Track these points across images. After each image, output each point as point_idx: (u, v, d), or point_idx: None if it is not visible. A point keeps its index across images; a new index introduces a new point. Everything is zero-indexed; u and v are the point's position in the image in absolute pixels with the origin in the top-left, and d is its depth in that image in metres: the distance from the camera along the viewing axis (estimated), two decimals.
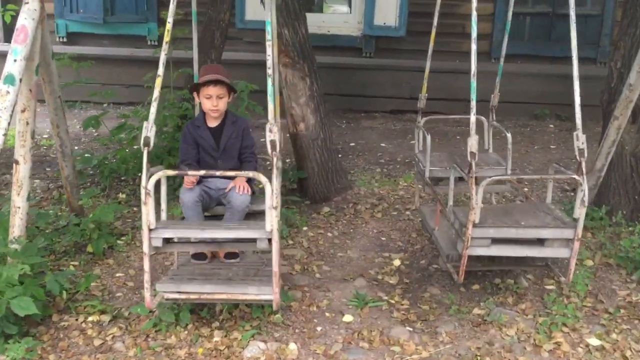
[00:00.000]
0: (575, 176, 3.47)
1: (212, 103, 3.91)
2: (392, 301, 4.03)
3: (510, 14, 4.68)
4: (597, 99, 5.36)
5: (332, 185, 5.78)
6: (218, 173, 3.62)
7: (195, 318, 3.72)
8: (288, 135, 5.71)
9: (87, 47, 9.74)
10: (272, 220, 3.17)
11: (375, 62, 9.68)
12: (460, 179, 4.01)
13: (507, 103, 8.35)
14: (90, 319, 3.73)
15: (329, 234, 5.07)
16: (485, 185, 3.50)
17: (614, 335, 3.64)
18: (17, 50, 3.55)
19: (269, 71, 3.20)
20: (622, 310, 3.92)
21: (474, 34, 3.43)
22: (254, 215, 3.92)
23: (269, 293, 3.36)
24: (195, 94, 4.06)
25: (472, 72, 3.43)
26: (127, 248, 4.72)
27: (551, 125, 8.96)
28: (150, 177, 3.19)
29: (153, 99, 3.24)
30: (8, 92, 3.46)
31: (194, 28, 4.30)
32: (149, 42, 9.84)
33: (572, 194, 5.77)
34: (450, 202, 3.94)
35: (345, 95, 9.46)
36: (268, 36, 3.23)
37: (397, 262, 4.57)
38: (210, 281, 3.54)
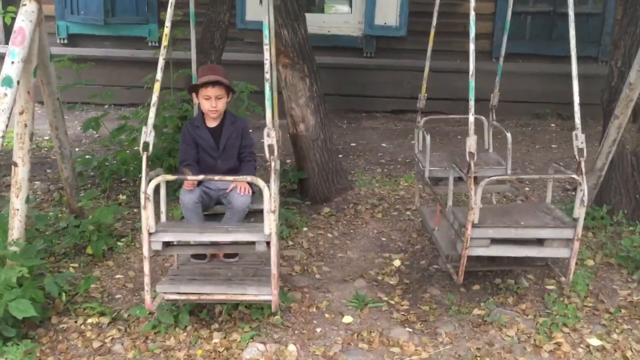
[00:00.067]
0: (574, 176, 3.45)
1: (211, 104, 3.95)
2: (392, 302, 4.02)
3: (509, 13, 4.66)
4: (599, 98, 5.33)
5: (333, 185, 5.77)
6: (217, 178, 3.67)
7: (194, 320, 3.72)
8: (288, 135, 5.71)
9: (88, 48, 9.77)
10: (270, 223, 3.18)
11: (376, 62, 9.66)
12: (460, 179, 3.99)
13: (509, 102, 8.35)
14: (89, 321, 3.73)
15: (329, 235, 5.06)
16: (486, 185, 3.49)
17: (614, 336, 3.63)
18: (15, 53, 3.54)
19: (267, 75, 3.20)
20: (623, 310, 3.90)
21: (472, 34, 3.42)
22: (255, 214, 3.94)
23: (268, 293, 3.38)
24: (194, 95, 4.09)
25: (471, 72, 3.42)
26: (127, 249, 4.71)
27: (553, 125, 8.94)
28: (149, 181, 3.20)
29: (152, 103, 3.24)
30: (5, 95, 3.46)
31: (191, 29, 4.30)
32: (149, 44, 9.85)
33: (574, 193, 5.73)
34: (450, 202, 3.93)
35: (346, 96, 9.45)
36: (265, 40, 3.22)
37: (397, 263, 4.56)
38: (210, 282, 3.54)
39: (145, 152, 3.20)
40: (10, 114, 3.51)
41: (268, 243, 3.24)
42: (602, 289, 4.16)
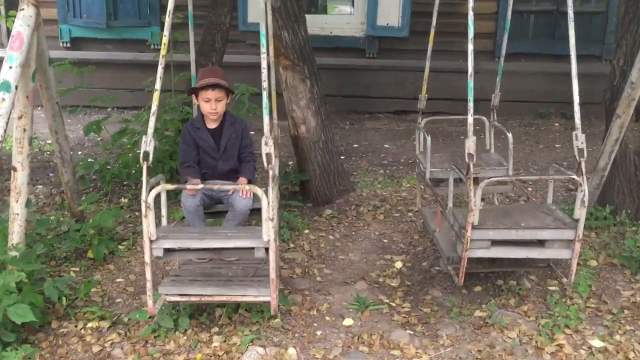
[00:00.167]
0: (574, 177, 3.42)
1: (211, 106, 4.02)
2: (393, 304, 4.00)
3: (509, 13, 4.64)
4: (602, 97, 5.30)
5: (334, 187, 5.75)
6: (216, 187, 3.86)
7: (194, 323, 3.71)
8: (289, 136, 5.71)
9: (91, 52, 9.80)
10: (268, 230, 3.23)
11: (378, 63, 9.64)
12: (462, 180, 3.97)
13: (512, 102, 8.34)
14: (89, 325, 3.72)
15: (331, 237, 5.04)
16: (487, 186, 3.48)
17: (617, 337, 3.59)
18: (13, 57, 3.54)
19: (264, 84, 3.20)
20: (625, 311, 3.87)
21: (471, 34, 3.43)
22: (258, 212, 3.97)
23: (267, 294, 3.42)
24: (193, 96, 4.13)
25: (470, 72, 3.41)
26: (128, 253, 4.71)
27: (556, 124, 8.91)
28: (150, 190, 3.24)
29: (151, 113, 3.27)
30: (4, 99, 3.46)
31: (190, 31, 4.30)
32: (152, 46, 9.85)
33: (577, 193, 5.70)
34: (450, 204, 3.91)
35: (349, 97, 9.43)
36: (263, 49, 3.22)
37: (398, 265, 4.54)
38: (211, 283, 3.59)
39: (145, 162, 3.23)
40: (8, 118, 3.51)
41: (267, 249, 3.28)
42: (605, 290, 4.12)
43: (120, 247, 4.76)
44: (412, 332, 3.67)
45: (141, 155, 3.24)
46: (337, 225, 5.27)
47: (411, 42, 9.49)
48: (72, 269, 4.41)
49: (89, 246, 4.55)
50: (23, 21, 3.66)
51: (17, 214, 3.84)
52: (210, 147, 4.13)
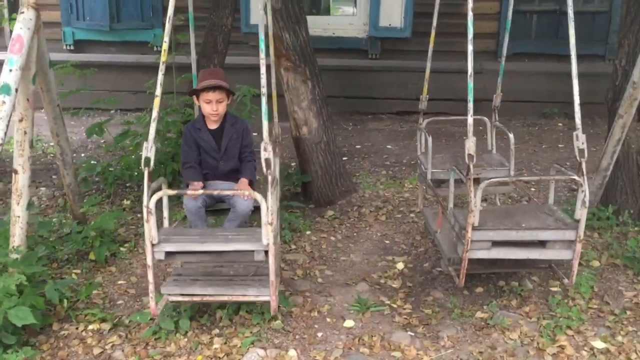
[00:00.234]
0: (575, 177, 3.41)
1: (212, 108, 4.06)
2: (394, 305, 3.99)
3: (510, 13, 4.63)
4: (604, 97, 5.28)
5: (336, 188, 5.74)
6: (216, 192, 3.94)
7: (195, 325, 3.71)
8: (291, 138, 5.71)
9: (94, 54, 9.81)
10: (267, 234, 3.25)
11: (381, 64, 9.63)
12: (462, 181, 3.96)
13: (515, 102, 8.33)
14: (90, 327, 3.72)
15: (332, 238, 5.04)
16: (489, 187, 3.47)
17: (619, 338, 3.58)
18: (13, 60, 3.55)
19: (263, 90, 3.20)
20: (628, 312, 3.85)
21: (470, 35, 3.41)
22: (259, 211, 4.00)
23: (268, 294, 3.43)
24: (194, 97, 4.16)
25: (469, 73, 3.40)
26: (129, 255, 4.71)
27: (560, 124, 8.88)
28: (151, 195, 3.25)
29: (152, 119, 3.27)
30: (4, 102, 3.47)
31: (191, 33, 4.30)
32: (154, 48, 9.84)
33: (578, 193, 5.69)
34: (451, 205, 3.90)
35: (351, 98, 9.42)
36: (262, 54, 3.22)
37: (400, 266, 4.53)
38: (212, 282, 3.61)
39: (146, 167, 3.24)
40: (9, 121, 3.53)
41: (267, 252, 3.29)
42: (607, 291, 4.11)
43: (122, 249, 4.77)
44: (413, 334, 3.66)
45: (142, 161, 3.25)
46: (339, 226, 5.27)
47: (414, 42, 9.48)
48: (74, 271, 4.41)
49: (90, 248, 4.56)
50: (23, 24, 3.66)
51: (19, 217, 3.85)
52: (212, 147, 4.17)
